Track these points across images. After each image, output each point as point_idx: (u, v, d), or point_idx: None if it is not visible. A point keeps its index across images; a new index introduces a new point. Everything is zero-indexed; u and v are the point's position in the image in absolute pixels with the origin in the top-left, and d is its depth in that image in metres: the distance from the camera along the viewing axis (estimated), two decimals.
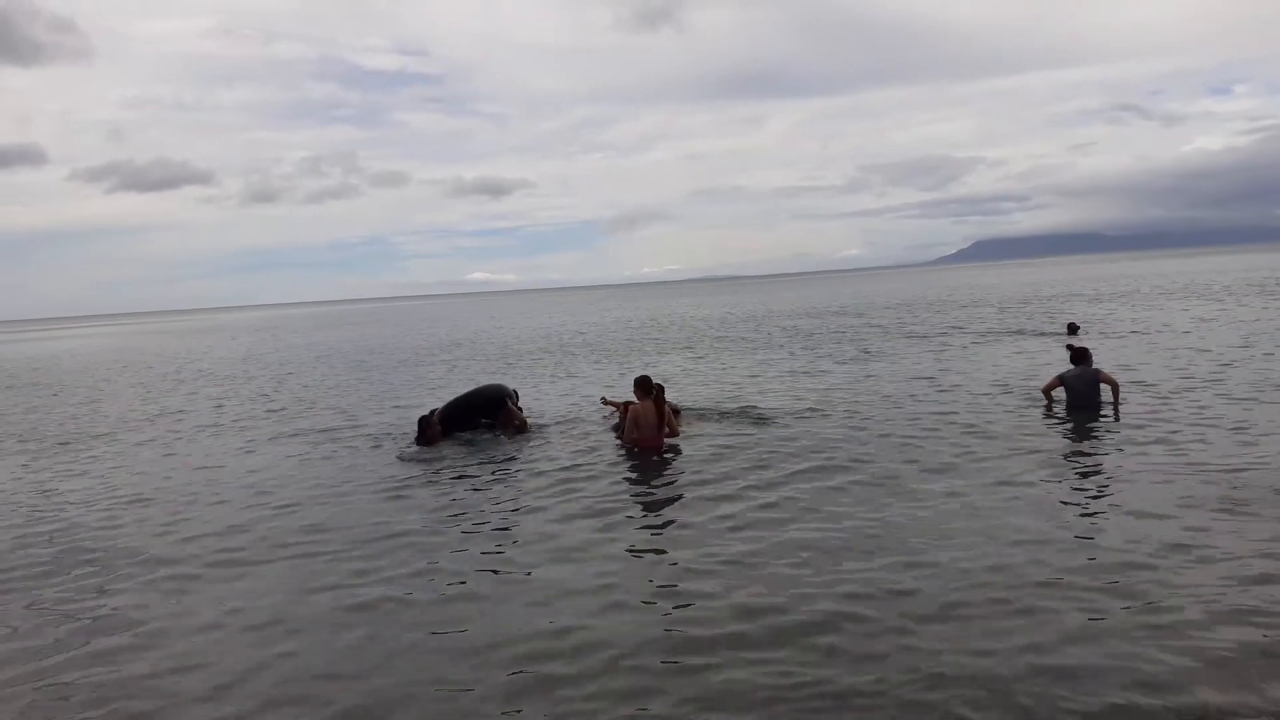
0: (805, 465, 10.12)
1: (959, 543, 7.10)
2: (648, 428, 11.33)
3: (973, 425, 11.86)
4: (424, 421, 12.95)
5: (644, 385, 11.74)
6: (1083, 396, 12.14)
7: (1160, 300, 37.64)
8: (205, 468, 12.58)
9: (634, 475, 10.27)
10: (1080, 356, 12.47)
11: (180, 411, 19.53)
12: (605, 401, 14.87)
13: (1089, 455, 9.85)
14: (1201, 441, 10.12)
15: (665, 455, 11.02)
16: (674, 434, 11.62)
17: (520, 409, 13.83)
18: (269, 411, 18.47)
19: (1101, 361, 14.46)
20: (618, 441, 12.06)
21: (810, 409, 13.88)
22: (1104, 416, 11.77)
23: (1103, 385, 12.22)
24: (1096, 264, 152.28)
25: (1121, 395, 12.36)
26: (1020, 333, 26.42)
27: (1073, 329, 23.45)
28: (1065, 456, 9.87)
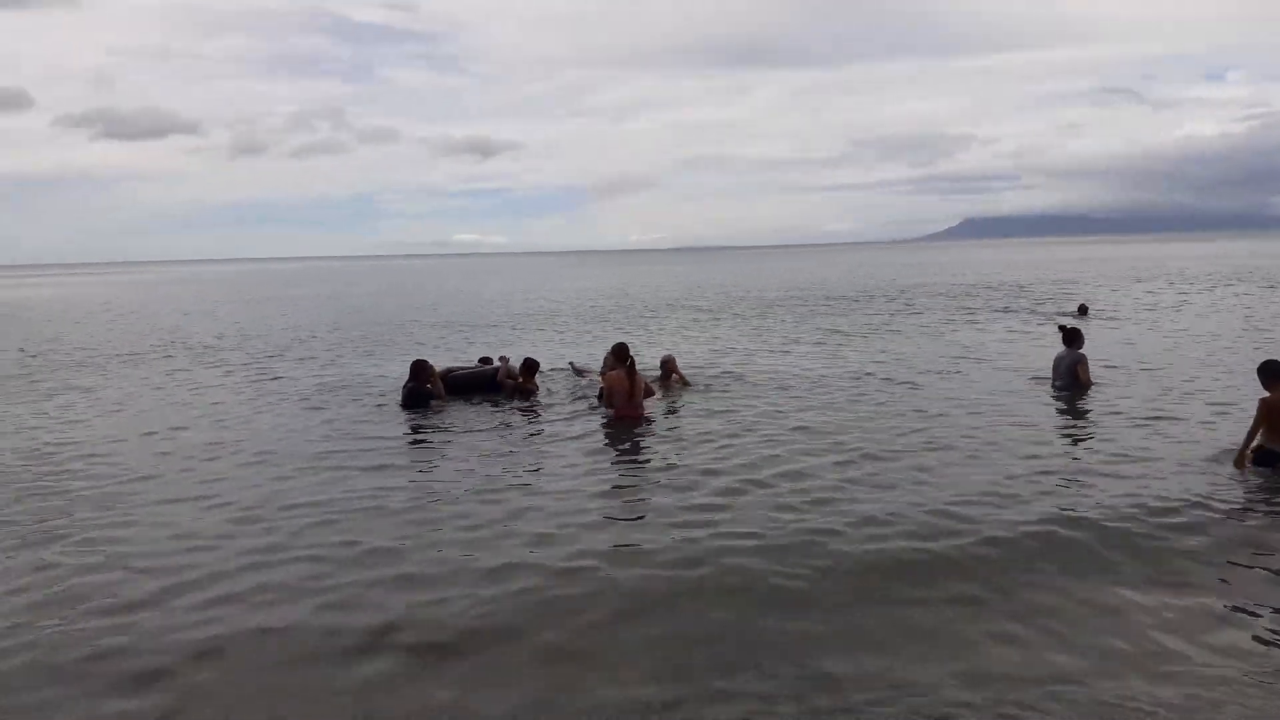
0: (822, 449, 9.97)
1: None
2: (621, 396, 10.96)
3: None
4: (419, 365, 12.52)
5: (618, 353, 11.47)
6: (1061, 377, 12.38)
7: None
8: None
9: (599, 446, 10.03)
10: (1070, 338, 12.50)
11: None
12: (575, 369, 14.60)
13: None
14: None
15: (642, 427, 10.73)
16: (640, 406, 11.05)
17: (535, 383, 13.09)
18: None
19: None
20: (600, 411, 11.64)
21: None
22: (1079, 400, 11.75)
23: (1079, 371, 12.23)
24: (1090, 246, 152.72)
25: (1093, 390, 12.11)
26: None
27: (1083, 310, 23.38)
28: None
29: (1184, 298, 29.36)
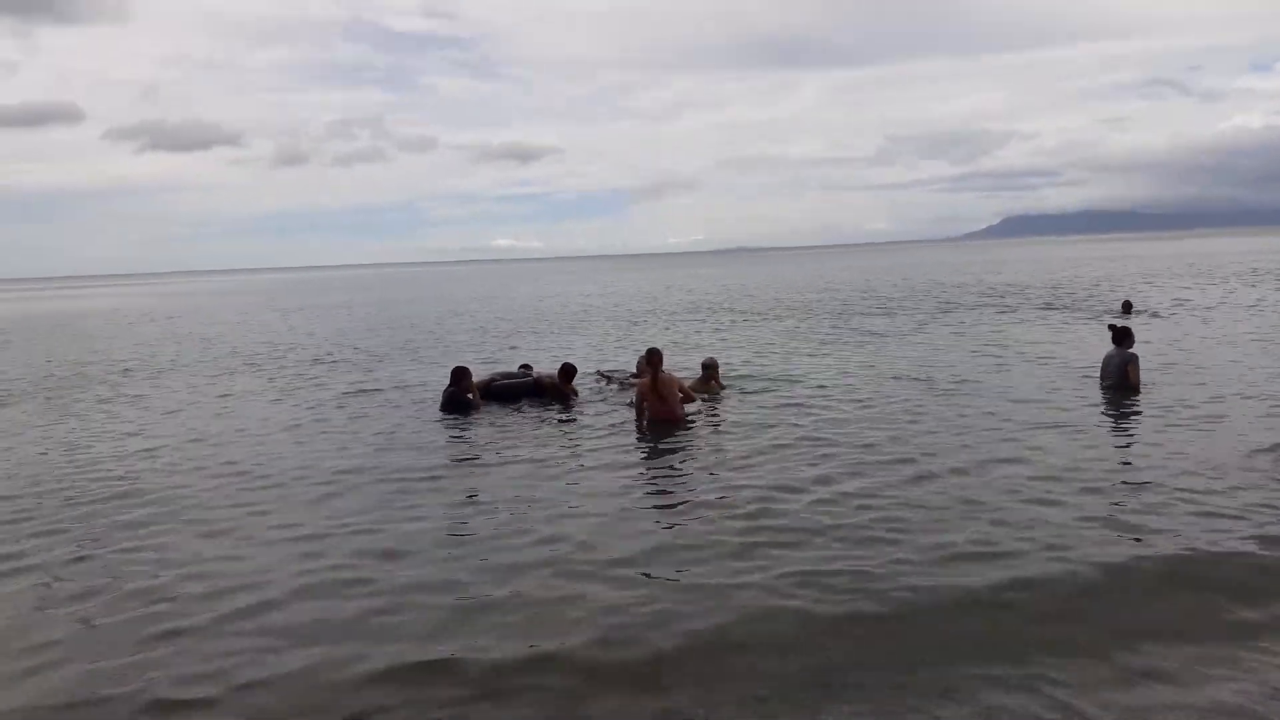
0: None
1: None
2: (651, 400, 10.86)
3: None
4: (461, 371, 12.72)
5: (647, 358, 11.35)
6: (1110, 376, 12.27)
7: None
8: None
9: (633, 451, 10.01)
10: (1120, 337, 12.35)
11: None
12: (602, 375, 14.54)
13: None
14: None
15: (680, 432, 10.63)
16: (675, 409, 10.91)
17: (573, 389, 13.12)
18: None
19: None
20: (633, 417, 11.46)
21: None
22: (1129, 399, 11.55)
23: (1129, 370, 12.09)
24: (1135, 243, 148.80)
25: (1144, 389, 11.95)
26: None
27: (1127, 308, 22.92)
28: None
29: (1232, 294, 28.52)
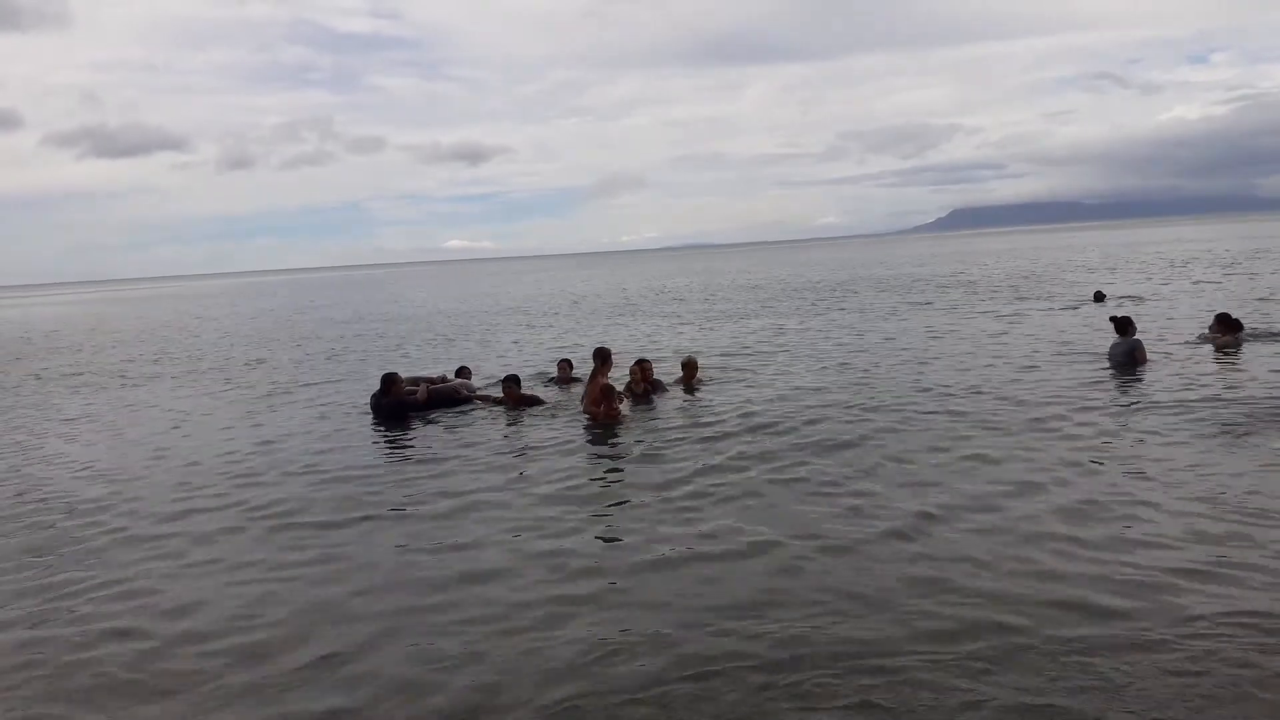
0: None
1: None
2: (588, 399, 10.88)
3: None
4: (390, 379, 11.89)
5: (597, 355, 11.48)
6: (1118, 359, 12.51)
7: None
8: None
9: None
10: (1122, 327, 12.69)
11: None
12: (556, 379, 13.53)
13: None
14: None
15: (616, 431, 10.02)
16: (608, 411, 10.49)
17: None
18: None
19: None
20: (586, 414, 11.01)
21: None
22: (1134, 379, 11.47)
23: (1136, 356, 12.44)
24: (1082, 232, 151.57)
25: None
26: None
27: (1099, 297, 22.30)
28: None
29: (1188, 280, 28.38)
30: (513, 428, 10.65)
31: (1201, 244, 56.86)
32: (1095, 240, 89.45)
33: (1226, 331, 13.50)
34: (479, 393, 12.51)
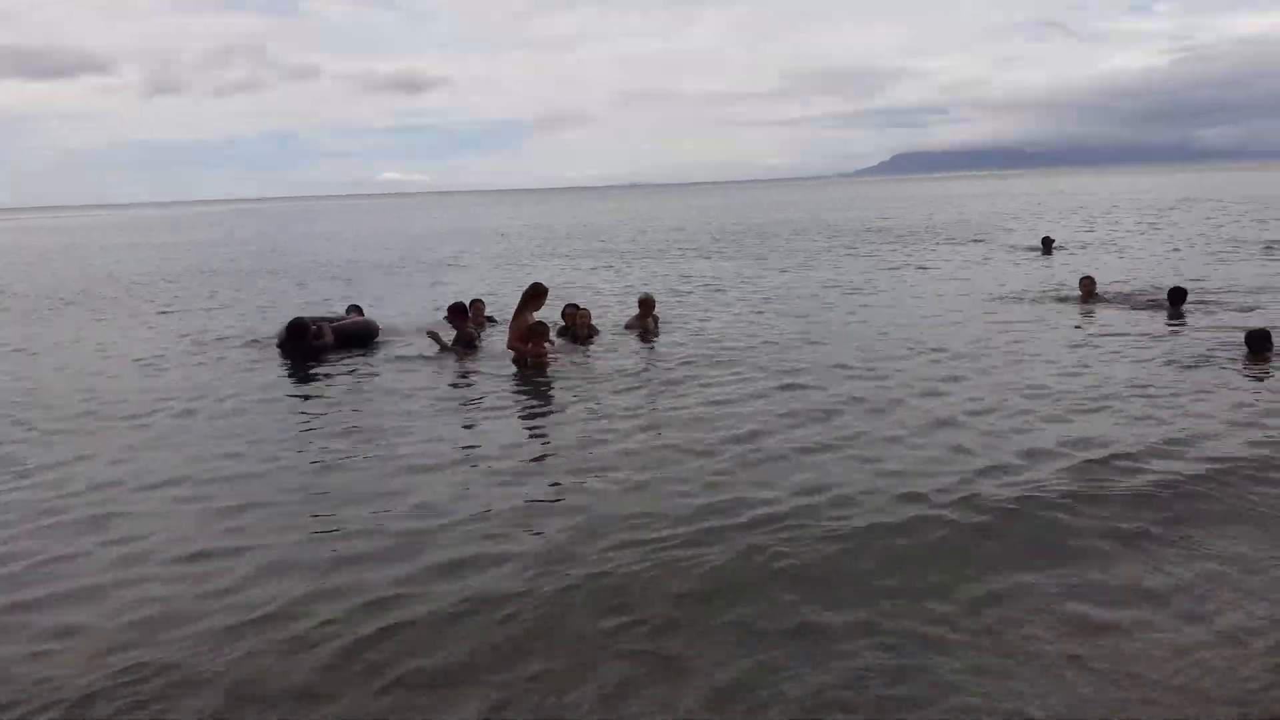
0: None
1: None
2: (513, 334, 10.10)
3: None
4: (300, 327, 10.93)
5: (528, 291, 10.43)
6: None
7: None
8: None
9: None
10: (1177, 298, 12.25)
11: None
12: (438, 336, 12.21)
13: None
14: None
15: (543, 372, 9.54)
16: (535, 350, 9.82)
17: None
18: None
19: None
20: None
21: None
22: None
23: None
24: (1025, 179, 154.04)
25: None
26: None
27: (1047, 244, 21.69)
28: None
29: (1131, 228, 28.30)
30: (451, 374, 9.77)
31: (1142, 192, 57.37)
32: (1035, 187, 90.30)
33: (1089, 296, 13.14)
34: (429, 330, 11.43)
